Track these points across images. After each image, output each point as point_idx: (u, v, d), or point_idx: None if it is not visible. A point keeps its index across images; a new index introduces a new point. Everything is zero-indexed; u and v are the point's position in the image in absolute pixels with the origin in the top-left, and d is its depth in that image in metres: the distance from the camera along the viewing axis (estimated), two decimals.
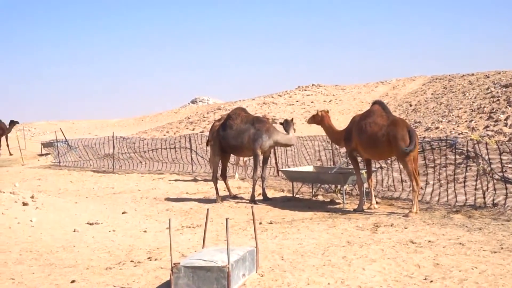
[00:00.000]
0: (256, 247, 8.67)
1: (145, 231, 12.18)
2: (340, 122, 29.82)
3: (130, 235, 11.83)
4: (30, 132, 48.79)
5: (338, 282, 7.97)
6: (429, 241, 10.16)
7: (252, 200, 15.55)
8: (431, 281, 7.85)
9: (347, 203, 14.85)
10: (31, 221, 12.91)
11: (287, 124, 16.12)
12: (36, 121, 48.21)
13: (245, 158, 20.49)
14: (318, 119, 15.37)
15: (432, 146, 17.17)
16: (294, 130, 16.18)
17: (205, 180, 20.40)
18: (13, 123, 41.17)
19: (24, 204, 14.29)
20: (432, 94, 39.78)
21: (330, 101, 42.42)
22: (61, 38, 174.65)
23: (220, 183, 16.79)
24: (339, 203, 14.95)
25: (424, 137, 18.40)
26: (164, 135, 37.19)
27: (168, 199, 16.80)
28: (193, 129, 37.48)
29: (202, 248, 8.80)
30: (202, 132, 33.27)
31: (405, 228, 11.39)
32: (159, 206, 15.70)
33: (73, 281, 8.46)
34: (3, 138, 40.37)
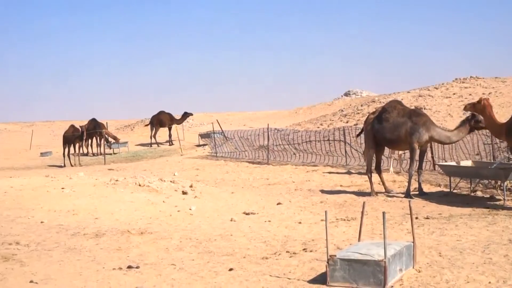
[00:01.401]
0: (413, 242, 8.50)
1: (299, 222, 12.27)
2: (500, 116, 28.50)
3: (285, 226, 11.95)
4: (188, 123, 50.42)
5: (500, 281, 7.65)
6: None
7: (408, 194, 15.26)
8: None
9: (508, 199, 14.23)
10: (190, 209, 13.38)
11: (461, 123, 15.52)
12: (194, 113, 49.77)
13: (400, 152, 20.14)
14: (479, 107, 14.64)
15: None
16: (472, 128, 15.46)
17: (359, 173, 20.25)
18: (186, 114, 42.79)
19: (184, 193, 14.84)
20: None
21: (489, 93, 40.72)
22: (213, 35, 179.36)
23: (375, 176, 16.59)
24: (499, 200, 14.35)
25: None
26: (318, 127, 37.20)
27: (322, 191, 16.84)
28: (347, 122, 37.28)
29: (358, 241, 8.74)
30: (356, 125, 32.97)
31: None
32: (313, 198, 15.77)
33: (231, 269, 8.66)
34: (157, 129, 42.09)
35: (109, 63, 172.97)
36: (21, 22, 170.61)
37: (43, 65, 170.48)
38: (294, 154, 27.02)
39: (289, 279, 8.10)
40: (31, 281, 8.06)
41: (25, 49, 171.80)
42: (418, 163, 15.71)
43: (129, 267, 8.83)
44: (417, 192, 15.58)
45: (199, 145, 38.42)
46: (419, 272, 8.16)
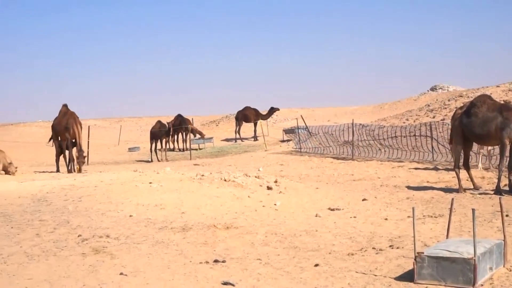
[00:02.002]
0: (504, 240, 8.28)
1: (385, 219, 12.13)
2: None
3: (370, 222, 11.85)
4: (272, 119, 50.58)
5: None
6: None
7: (498, 191, 14.88)
8: None
9: None
10: (275, 204, 13.43)
11: None
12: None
13: (489, 147, 19.65)
14: None
15: None
16: None
17: (446, 169, 19.86)
18: (273, 110, 43.03)
19: (269, 188, 14.91)
20: None
21: None
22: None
23: (463, 173, 16.25)
24: None
25: None
26: (404, 122, 36.60)
27: (408, 188, 16.61)
28: (434, 117, 36.53)
29: (446, 238, 8.59)
30: (443, 120, 32.29)
31: None
32: (399, 194, 15.57)
33: (316, 265, 8.65)
34: (244, 124, 42.45)
35: (194, 58, 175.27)
36: (108, 20, 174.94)
37: (131, 62, 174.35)
38: (380, 149, 26.72)
39: (375, 275, 8.03)
40: (121, 273, 8.26)
41: (114, 47, 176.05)
42: (508, 159, 15.28)
43: (216, 261, 8.93)
44: (507, 189, 15.16)
45: (283, 141, 38.51)
46: (511, 271, 7.95)
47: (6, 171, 20.25)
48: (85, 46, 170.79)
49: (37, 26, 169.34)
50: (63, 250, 9.54)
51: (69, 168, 23.10)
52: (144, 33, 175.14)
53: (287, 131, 39.13)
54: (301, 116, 39.35)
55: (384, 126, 31.29)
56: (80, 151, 22.53)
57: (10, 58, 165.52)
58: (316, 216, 12.49)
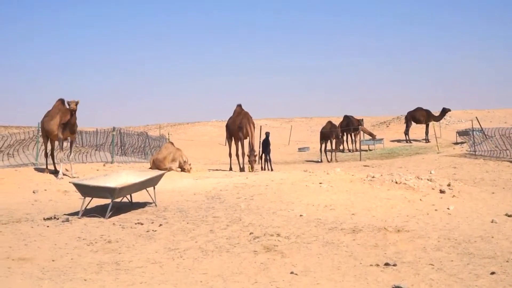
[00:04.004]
0: None
1: None
2: None
3: None
4: (445, 120, 49.31)
5: None
6: None
7: None
8: None
9: None
10: (448, 208, 13.06)
11: None
12: (452, 110, 48.38)
13: None
14: None
15: None
16: None
17: None
18: (445, 110, 42.15)
19: (441, 191, 14.51)
20: None
21: None
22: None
23: None
24: None
25: None
26: None
27: None
28: None
29: None
30: None
31: None
32: None
33: (492, 273, 8.30)
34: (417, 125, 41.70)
35: (364, 58, 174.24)
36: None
37: (303, 63, 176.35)
38: None
39: None
40: (292, 272, 8.35)
41: (285, 48, 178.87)
42: None
43: (386, 264, 8.80)
44: None
45: (456, 143, 37.45)
46: None
47: (182, 168, 21.05)
48: (260, 48, 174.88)
49: (218, 29, 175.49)
50: (235, 247, 9.79)
51: (241, 166, 23.63)
52: (315, 34, 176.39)
53: (461, 133, 38.02)
54: (476, 117, 38.01)
55: None
56: (252, 150, 22.99)
57: (189, 64, 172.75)
58: (492, 222, 11.99)
